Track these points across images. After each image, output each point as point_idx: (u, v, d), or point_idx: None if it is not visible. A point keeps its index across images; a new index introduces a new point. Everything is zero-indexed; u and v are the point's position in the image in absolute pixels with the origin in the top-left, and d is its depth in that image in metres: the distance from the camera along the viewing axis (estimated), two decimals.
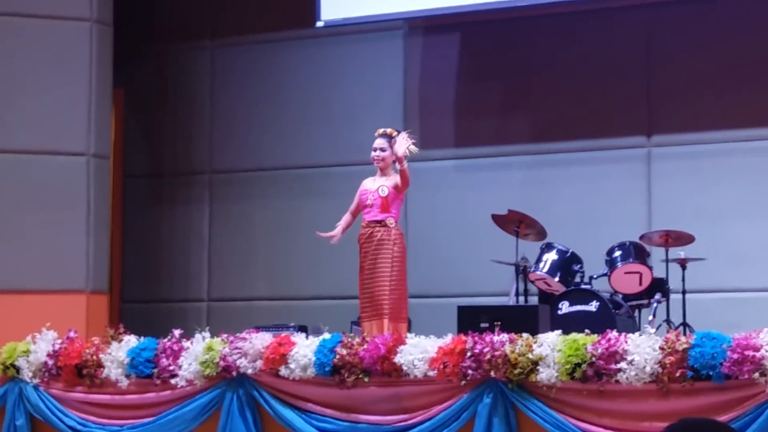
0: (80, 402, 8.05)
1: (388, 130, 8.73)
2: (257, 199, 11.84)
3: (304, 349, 7.61)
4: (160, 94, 12.35)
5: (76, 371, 8.08)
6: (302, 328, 9.79)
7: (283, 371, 7.59)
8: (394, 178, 8.58)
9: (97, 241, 10.95)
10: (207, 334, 7.93)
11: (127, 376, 7.95)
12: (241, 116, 12.01)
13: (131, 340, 8.11)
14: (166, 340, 8.01)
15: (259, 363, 7.66)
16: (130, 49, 12.03)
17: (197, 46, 12.22)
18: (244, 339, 7.76)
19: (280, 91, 11.90)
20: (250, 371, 7.66)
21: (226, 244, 11.92)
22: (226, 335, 7.88)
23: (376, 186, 8.65)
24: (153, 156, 12.38)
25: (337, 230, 8.71)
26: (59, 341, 8.24)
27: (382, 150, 8.65)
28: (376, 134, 8.78)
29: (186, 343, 7.93)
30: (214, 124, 12.11)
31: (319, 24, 11.38)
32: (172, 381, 7.82)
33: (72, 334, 8.29)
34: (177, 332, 8.06)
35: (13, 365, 8.23)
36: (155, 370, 7.89)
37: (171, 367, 7.83)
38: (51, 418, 8.05)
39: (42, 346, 8.22)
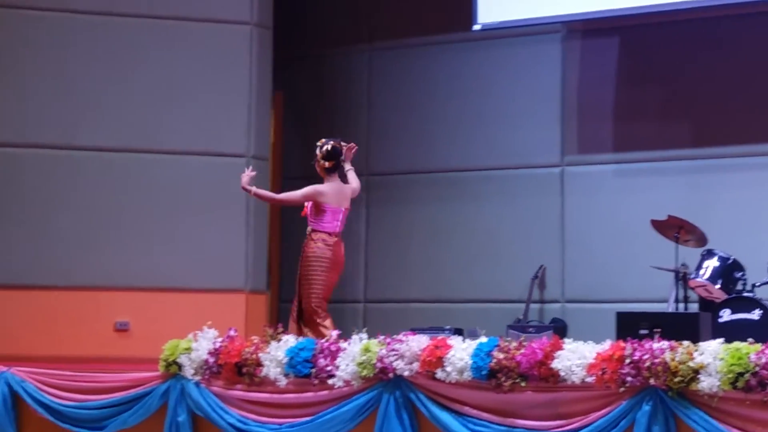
0: (240, 400, 8.15)
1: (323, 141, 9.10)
2: (413, 201, 11.88)
3: (461, 352, 7.59)
4: (318, 96, 12.47)
5: (236, 369, 8.17)
6: (458, 331, 9.82)
7: (439, 374, 7.59)
8: None
9: (257, 241, 11.13)
10: (364, 335, 7.97)
11: (286, 376, 8.02)
12: (398, 119, 12.07)
13: (290, 340, 8.18)
14: (323, 340, 8.07)
15: (416, 365, 7.66)
16: (288, 52, 12.19)
17: (355, 50, 12.32)
18: (401, 341, 7.78)
19: (437, 94, 11.93)
20: (406, 373, 7.67)
21: (382, 246, 11.99)
22: (383, 337, 7.91)
23: None
24: (311, 158, 12.47)
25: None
26: (220, 339, 8.35)
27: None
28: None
29: (343, 344, 7.98)
30: (371, 126, 12.19)
31: (476, 27, 11.38)
32: (330, 381, 7.87)
33: (232, 333, 8.40)
34: (334, 333, 8.11)
35: (175, 362, 8.36)
36: (313, 370, 7.94)
37: (329, 368, 7.88)
38: (212, 415, 8.16)
39: (203, 344, 8.34)
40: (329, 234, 8.87)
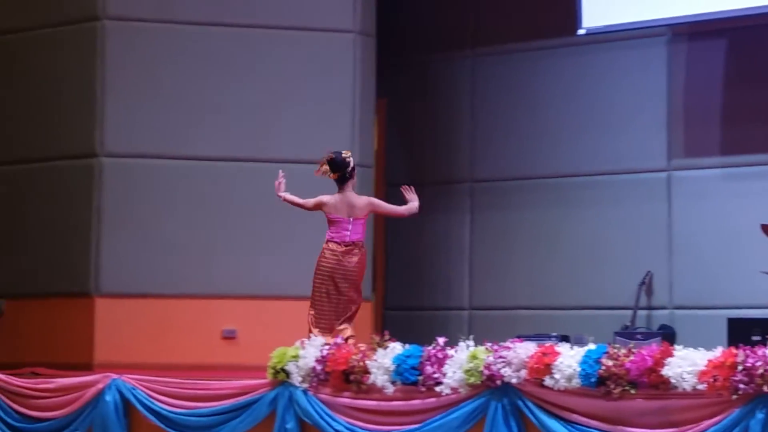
0: (347, 407, 8.16)
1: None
2: (518, 208, 11.83)
3: (569, 359, 7.53)
4: (422, 103, 12.49)
5: (344, 377, 8.19)
6: (564, 338, 9.77)
7: (547, 381, 7.53)
8: None
9: None
10: (471, 343, 7.94)
11: (393, 383, 8.02)
12: (502, 125, 12.03)
13: (396, 347, 8.18)
14: (430, 347, 8.06)
15: (524, 372, 7.62)
16: (392, 59, 12.22)
17: (458, 56, 12.31)
18: (508, 348, 7.74)
19: (541, 100, 11.87)
20: (514, 380, 7.63)
21: (487, 252, 11.95)
22: (489, 344, 7.87)
23: None
24: (414, 165, 12.52)
25: None
26: (327, 347, 8.38)
27: None
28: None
29: (450, 351, 7.96)
30: (475, 132, 12.17)
31: (581, 32, 11.30)
32: (437, 388, 7.85)
33: (339, 340, 8.43)
34: (441, 340, 8.09)
35: (283, 370, 8.40)
36: (420, 378, 7.93)
37: (436, 375, 7.86)
38: (320, 422, 8.17)
39: (310, 351, 8.37)
40: (337, 243, 8.90)
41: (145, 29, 11.09)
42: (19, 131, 11.43)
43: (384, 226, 12.38)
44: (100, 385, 9.09)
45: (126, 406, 9.02)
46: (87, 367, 10.44)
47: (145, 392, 8.95)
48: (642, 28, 11.22)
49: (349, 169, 9.01)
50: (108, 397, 9.01)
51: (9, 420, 9.46)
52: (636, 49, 11.48)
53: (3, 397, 9.53)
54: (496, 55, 12.11)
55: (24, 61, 11.45)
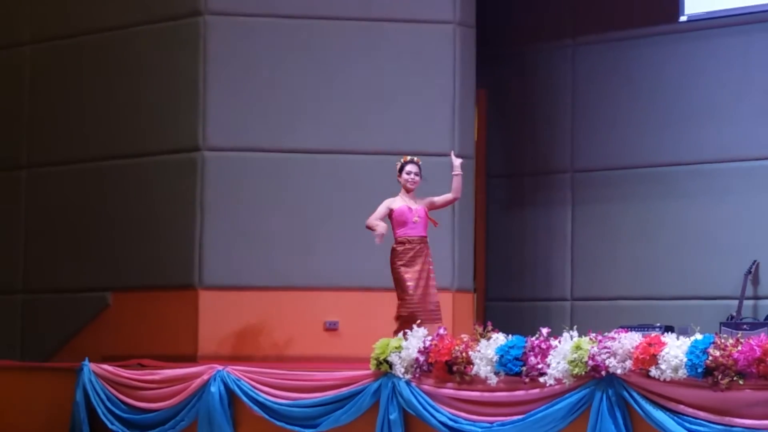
0: (451, 398, 8.16)
1: (416, 158, 9.34)
2: (620, 198, 11.72)
3: (675, 349, 7.44)
4: (521, 93, 12.42)
5: (447, 368, 8.19)
6: (669, 328, 9.66)
7: (653, 372, 7.46)
8: (422, 200, 9.32)
9: (462, 240, 11.14)
10: (575, 333, 7.89)
11: (496, 374, 8.00)
12: (603, 114, 11.93)
13: (499, 338, 8.15)
14: (533, 338, 8.02)
15: (629, 363, 7.55)
16: (491, 49, 12.18)
17: (558, 45, 12.22)
18: (613, 338, 7.67)
19: (642, 88, 11.75)
20: (619, 371, 7.57)
21: (588, 243, 11.88)
22: (593, 334, 7.81)
23: (415, 206, 9.27)
24: (514, 156, 12.47)
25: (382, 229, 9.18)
26: (429, 338, 8.38)
27: (416, 174, 9.28)
28: (405, 160, 9.32)
29: (553, 342, 7.92)
30: (576, 122, 12.08)
31: (683, 19, 11.17)
32: (541, 379, 7.82)
33: (442, 331, 8.42)
34: (545, 330, 8.05)
35: (386, 361, 8.42)
36: (524, 368, 7.90)
37: (539, 366, 7.83)
38: (423, 413, 8.19)
39: (413, 342, 8.38)
40: None
41: (246, 24, 11.18)
42: (123, 126, 11.58)
43: (484, 217, 12.35)
44: (205, 377, 9.20)
45: (231, 397, 9.11)
46: (191, 359, 10.57)
47: (249, 383, 9.03)
48: (746, 13, 11.04)
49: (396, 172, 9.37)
50: (213, 388, 9.11)
51: (117, 411, 9.61)
52: (740, 35, 11.31)
53: (110, 389, 9.68)
54: (597, 43, 12.01)
55: (127, 57, 11.60)
